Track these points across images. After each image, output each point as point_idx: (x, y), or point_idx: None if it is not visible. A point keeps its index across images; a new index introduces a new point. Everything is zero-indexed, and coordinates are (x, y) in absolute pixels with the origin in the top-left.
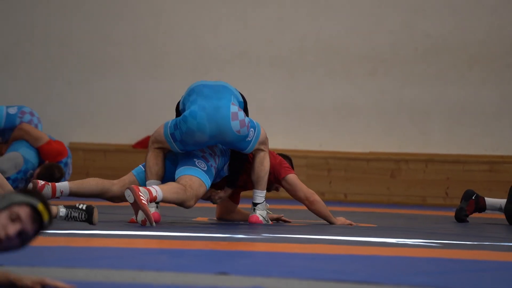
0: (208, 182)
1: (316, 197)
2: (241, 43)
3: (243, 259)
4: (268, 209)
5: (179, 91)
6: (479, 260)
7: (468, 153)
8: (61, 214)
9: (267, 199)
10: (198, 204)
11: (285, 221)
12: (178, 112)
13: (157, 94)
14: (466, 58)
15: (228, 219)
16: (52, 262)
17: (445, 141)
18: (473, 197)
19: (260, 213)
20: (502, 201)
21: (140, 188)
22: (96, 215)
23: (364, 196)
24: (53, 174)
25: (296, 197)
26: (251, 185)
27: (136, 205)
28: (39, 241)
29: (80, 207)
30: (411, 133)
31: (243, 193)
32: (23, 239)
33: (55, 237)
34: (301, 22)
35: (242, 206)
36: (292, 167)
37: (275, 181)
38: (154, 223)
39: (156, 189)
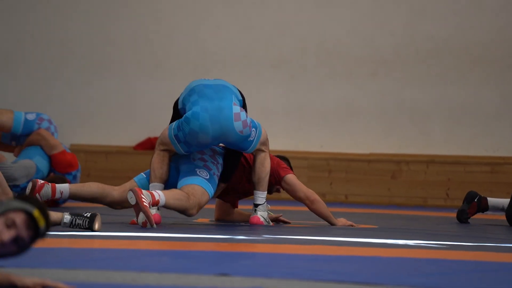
0: (211, 190)
1: (316, 197)
2: (242, 44)
3: (244, 260)
4: (269, 210)
5: (179, 92)
6: (480, 261)
7: (469, 153)
8: (65, 220)
9: (267, 200)
10: None
11: (283, 221)
12: (176, 110)
13: (158, 95)
14: (467, 59)
15: (228, 220)
16: (53, 264)
17: (446, 142)
18: (476, 200)
19: (261, 214)
20: (505, 201)
21: (143, 190)
22: (98, 222)
23: (365, 197)
24: None
25: (296, 197)
26: (250, 192)
27: (138, 207)
28: (40, 243)
29: (85, 215)
30: (412, 134)
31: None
32: (19, 245)
33: (56, 238)
34: (302, 24)
35: (243, 207)
36: (291, 168)
37: (275, 183)
38: (154, 224)
39: (159, 194)
